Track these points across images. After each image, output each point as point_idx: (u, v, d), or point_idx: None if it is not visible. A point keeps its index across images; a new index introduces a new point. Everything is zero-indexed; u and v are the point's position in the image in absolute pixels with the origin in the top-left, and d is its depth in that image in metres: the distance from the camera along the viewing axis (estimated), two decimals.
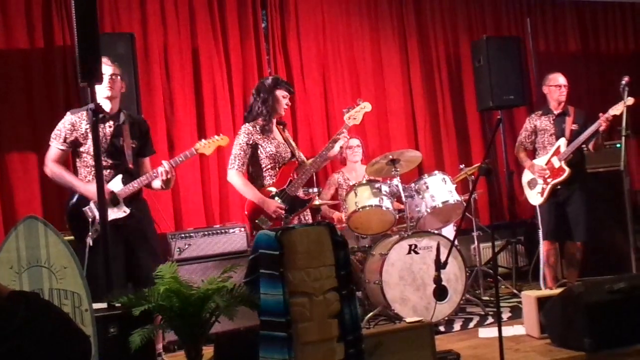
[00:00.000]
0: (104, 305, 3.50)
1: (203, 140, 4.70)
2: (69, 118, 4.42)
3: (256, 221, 4.83)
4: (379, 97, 7.17)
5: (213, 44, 6.42)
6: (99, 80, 3.94)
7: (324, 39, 7.00)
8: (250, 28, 6.61)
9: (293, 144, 5.12)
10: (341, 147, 5.11)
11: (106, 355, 3.28)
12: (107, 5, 5.98)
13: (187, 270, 5.12)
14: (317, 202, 5.70)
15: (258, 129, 4.90)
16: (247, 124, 4.96)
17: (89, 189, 4.27)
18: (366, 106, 5.09)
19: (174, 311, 3.35)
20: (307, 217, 5.07)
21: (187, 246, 5.33)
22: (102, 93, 4.36)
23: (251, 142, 4.86)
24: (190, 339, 3.42)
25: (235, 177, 4.89)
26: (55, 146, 4.42)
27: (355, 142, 6.43)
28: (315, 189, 5.96)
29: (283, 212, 4.77)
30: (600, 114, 5.51)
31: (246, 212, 4.94)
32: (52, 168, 4.42)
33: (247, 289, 3.51)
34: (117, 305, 3.45)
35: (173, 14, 6.28)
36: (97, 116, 3.85)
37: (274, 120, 5.01)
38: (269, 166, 4.89)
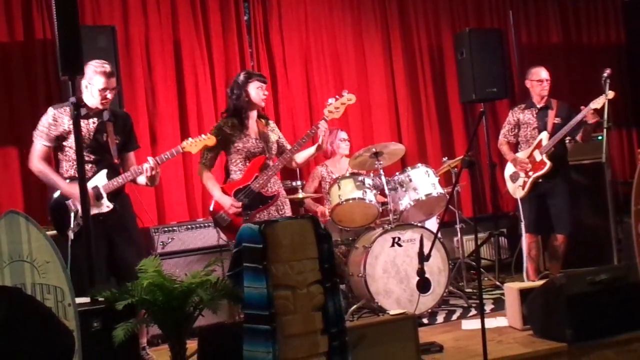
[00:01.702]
0: (87, 299, 3.48)
1: (190, 138, 4.69)
2: (51, 113, 4.37)
3: (215, 217, 4.89)
4: (361, 89, 7.15)
5: (195, 37, 6.38)
6: (80, 73, 3.91)
7: (307, 31, 6.97)
8: (233, 20, 6.57)
9: (274, 138, 5.06)
10: (324, 137, 4.99)
11: (89, 350, 3.27)
12: None
13: (170, 264, 5.12)
14: (300, 195, 5.69)
15: (230, 124, 4.91)
16: (221, 120, 5.00)
17: (72, 190, 4.24)
18: (351, 98, 4.98)
19: (158, 305, 3.34)
20: (284, 211, 4.99)
21: (170, 240, 5.32)
22: (90, 101, 4.35)
23: (219, 137, 4.82)
24: (174, 332, 3.42)
25: (201, 171, 4.99)
26: (41, 143, 4.38)
27: (344, 135, 6.43)
28: (298, 182, 5.94)
29: (238, 209, 4.77)
30: (582, 107, 5.53)
31: (210, 209, 4.95)
32: (38, 166, 4.38)
33: (230, 282, 3.52)
34: (100, 299, 3.44)
35: (154, 6, 6.23)
36: (79, 110, 3.82)
37: (252, 115, 4.99)
38: (238, 161, 4.90)
